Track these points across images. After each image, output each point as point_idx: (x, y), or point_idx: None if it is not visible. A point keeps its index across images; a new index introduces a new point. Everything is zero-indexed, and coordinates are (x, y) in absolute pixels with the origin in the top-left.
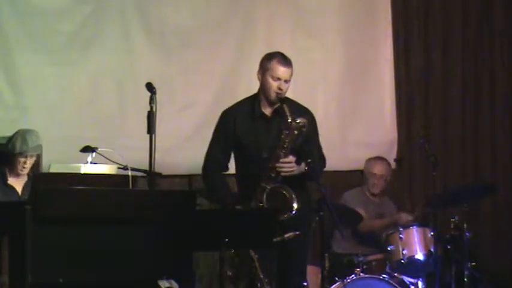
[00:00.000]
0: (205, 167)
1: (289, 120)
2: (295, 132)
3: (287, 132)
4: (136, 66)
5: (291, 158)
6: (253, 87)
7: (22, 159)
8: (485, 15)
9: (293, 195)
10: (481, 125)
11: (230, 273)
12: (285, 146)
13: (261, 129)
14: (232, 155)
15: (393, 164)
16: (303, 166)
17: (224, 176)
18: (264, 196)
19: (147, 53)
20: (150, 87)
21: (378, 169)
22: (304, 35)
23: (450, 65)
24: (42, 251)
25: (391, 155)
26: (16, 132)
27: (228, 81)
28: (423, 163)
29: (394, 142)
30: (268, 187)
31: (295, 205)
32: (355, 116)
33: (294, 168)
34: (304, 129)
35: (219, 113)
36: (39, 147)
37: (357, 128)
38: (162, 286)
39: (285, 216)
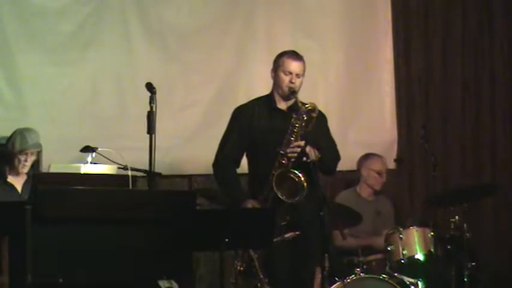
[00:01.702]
0: (217, 161)
1: (299, 105)
2: (305, 117)
3: (296, 116)
4: (136, 66)
5: (301, 142)
6: (253, 87)
7: (22, 157)
8: (485, 15)
9: (301, 177)
10: (481, 125)
11: (242, 268)
12: (295, 130)
13: (277, 124)
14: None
15: (393, 164)
16: (313, 153)
17: (236, 172)
18: (273, 182)
19: (147, 53)
20: (150, 87)
21: (378, 166)
22: (304, 35)
23: (450, 65)
24: (42, 251)
25: (391, 155)
26: (14, 132)
27: (228, 81)
28: (423, 163)
29: (394, 142)
30: (277, 172)
31: (304, 184)
32: (355, 116)
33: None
34: (314, 114)
35: (219, 113)
36: (39, 145)
37: (357, 128)
38: (162, 286)
39: (297, 198)
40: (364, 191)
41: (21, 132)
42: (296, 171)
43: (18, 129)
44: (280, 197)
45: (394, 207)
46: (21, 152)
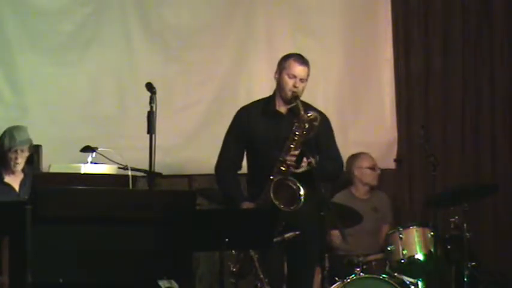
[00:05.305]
0: (218, 165)
1: (301, 113)
2: (306, 125)
3: (297, 124)
4: (136, 66)
5: (296, 152)
6: (253, 87)
7: (13, 155)
8: (485, 15)
9: (298, 185)
10: (481, 125)
11: (234, 269)
12: (296, 138)
13: (275, 127)
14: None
15: (393, 164)
16: (304, 164)
17: (237, 175)
18: (271, 189)
19: (147, 53)
20: (150, 87)
21: (368, 162)
22: (304, 35)
23: (450, 65)
24: (42, 251)
25: (391, 155)
26: (4, 132)
27: (228, 81)
28: (423, 163)
29: (394, 142)
30: (275, 180)
31: (301, 193)
32: (355, 116)
33: (303, 163)
34: (316, 123)
35: (219, 113)
36: (28, 140)
37: (357, 128)
38: (162, 286)
39: (293, 207)
40: (359, 190)
41: (10, 131)
42: (294, 179)
43: (8, 128)
44: (277, 205)
45: (389, 198)
46: (11, 150)
